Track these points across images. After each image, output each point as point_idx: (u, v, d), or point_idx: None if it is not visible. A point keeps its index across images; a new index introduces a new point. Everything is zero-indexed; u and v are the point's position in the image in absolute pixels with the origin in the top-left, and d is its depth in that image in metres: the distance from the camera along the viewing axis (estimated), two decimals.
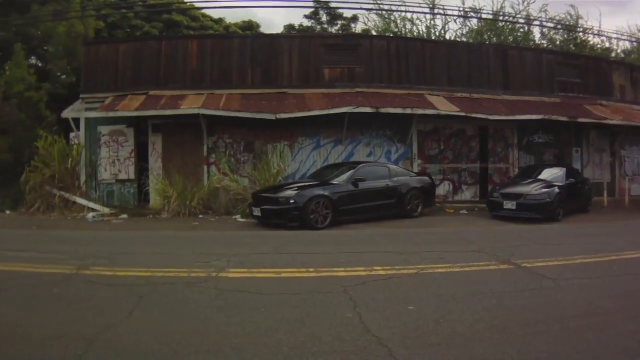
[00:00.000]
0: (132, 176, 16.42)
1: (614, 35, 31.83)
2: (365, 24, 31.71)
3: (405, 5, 30.17)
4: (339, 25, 32.81)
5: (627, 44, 32.78)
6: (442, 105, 16.31)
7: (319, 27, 32.53)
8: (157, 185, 15.56)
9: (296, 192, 12.30)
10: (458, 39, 27.16)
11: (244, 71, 16.99)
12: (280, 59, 17.07)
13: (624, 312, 5.21)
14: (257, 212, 12.57)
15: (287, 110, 15.36)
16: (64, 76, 20.52)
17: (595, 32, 29.86)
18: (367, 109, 15.44)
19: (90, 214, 14.79)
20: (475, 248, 8.86)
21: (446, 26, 28.40)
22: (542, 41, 28.14)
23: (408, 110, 15.72)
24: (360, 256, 8.28)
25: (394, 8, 25.70)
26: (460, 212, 15.72)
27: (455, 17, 27.73)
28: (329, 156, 16.67)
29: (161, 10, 24.93)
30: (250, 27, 31.40)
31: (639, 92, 20.93)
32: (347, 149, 16.75)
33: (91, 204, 15.60)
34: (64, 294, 5.95)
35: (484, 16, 26.53)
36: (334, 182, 13.17)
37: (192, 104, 15.39)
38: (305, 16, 33.33)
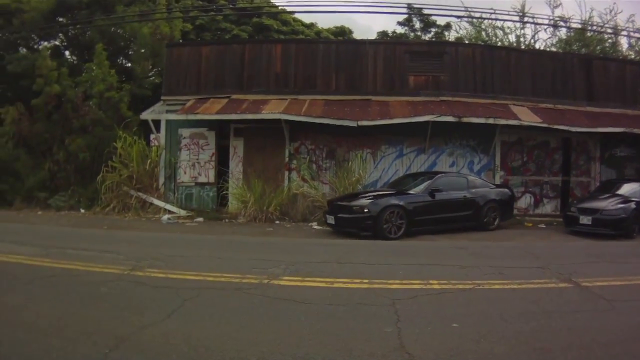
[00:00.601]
0: (211, 180, 16.45)
1: None
2: (457, 32, 31.22)
3: (495, 14, 29.80)
4: (432, 33, 32.28)
5: None
6: (525, 115, 15.78)
7: (412, 34, 32.09)
8: (235, 189, 15.55)
9: (370, 201, 12.07)
10: (547, 49, 26.34)
11: (328, 77, 16.87)
12: (365, 65, 16.85)
13: None
14: (331, 220, 12.46)
15: (370, 117, 15.13)
16: (152, 77, 20.80)
17: None
18: (450, 118, 15.05)
19: (166, 216, 14.88)
20: (539, 264, 8.43)
21: (536, 36, 27.76)
22: (630, 52, 27.20)
23: (490, 121, 15.22)
24: (420, 268, 8.12)
25: (484, 16, 25.17)
26: (539, 226, 15.11)
27: (545, 27, 27.06)
28: (412, 165, 16.33)
29: (251, 13, 25.04)
30: (342, 33, 31.22)
31: None
32: (430, 159, 16.39)
33: (168, 206, 15.74)
34: (110, 293, 6.16)
35: (572, 26, 25.77)
36: (411, 192, 12.86)
37: (273, 109, 15.34)
38: (399, 23, 32.91)
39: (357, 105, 15.99)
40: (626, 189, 14.30)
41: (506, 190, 14.74)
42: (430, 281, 6.97)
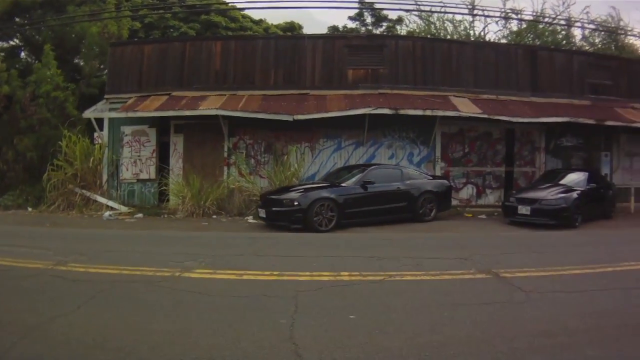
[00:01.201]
0: (153, 176, 16.57)
1: None
2: (407, 26, 31.27)
3: (445, 7, 29.92)
4: (384, 27, 32.29)
5: None
6: (465, 107, 15.84)
7: (363, 28, 32.19)
8: (174, 185, 15.67)
9: (301, 194, 12.18)
10: (497, 41, 26.35)
11: (267, 72, 16.95)
12: (304, 60, 16.96)
13: (590, 334, 4.66)
14: (262, 213, 12.58)
15: (306, 111, 15.24)
16: (102, 76, 20.88)
17: (637, 34, 28.71)
18: (386, 111, 15.14)
19: (107, 213, 15.05)
20: (463, 255, 8.36)
21: (486, 28, 27.80)
22: (583, 43, 27.24)
23: (428, 112, 15.29)
24: (336, 260, 8.08)
25: (434, 10, 25.19)
26: (479, 216, 15.21)
27: (496, 19, 27.17)
28: (350, 158, 16.42)
29: (200, 11, 25.06)
30: (292, 28, 31.29)
31: None
32: (369, 151, 16.49)
33: (110, 203, 15.91)
34: (29, 287, 6.36)
35: (524, 18, 25.83)
36: (343, 184, 12.93)
37: (211, 105, 15.47)
38: (350, 18, 33.13)
39: (294, 99, 16.10)
40: (570, 178, 14.42)
41: (444, 181, 14.86)
42: (342, 273, 7.01)
